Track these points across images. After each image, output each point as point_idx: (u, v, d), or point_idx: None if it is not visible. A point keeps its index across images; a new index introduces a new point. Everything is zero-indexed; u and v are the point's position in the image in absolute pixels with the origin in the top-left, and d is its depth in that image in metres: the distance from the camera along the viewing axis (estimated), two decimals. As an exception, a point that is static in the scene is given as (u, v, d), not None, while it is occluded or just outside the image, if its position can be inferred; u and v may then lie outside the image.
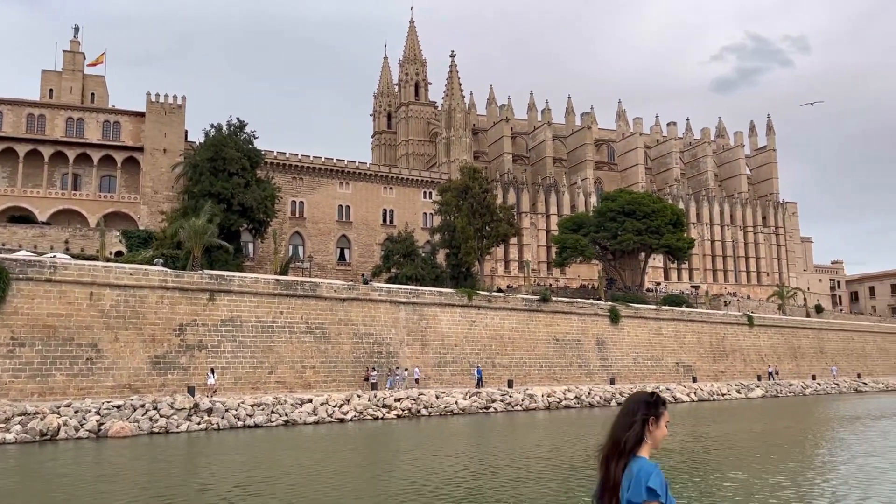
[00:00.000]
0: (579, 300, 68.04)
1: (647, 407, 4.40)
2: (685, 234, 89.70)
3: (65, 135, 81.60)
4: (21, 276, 39.20)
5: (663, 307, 73.87)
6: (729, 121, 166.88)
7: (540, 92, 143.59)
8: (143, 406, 36.09)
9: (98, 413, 34.49)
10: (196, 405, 37.03)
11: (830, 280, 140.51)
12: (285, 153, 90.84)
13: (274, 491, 19.62)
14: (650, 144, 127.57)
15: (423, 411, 44.15)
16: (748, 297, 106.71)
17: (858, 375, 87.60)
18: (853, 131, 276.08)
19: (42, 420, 32.41)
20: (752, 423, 43.12)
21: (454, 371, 54.28)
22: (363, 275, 68.81)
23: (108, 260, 54.36)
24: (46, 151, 79.31)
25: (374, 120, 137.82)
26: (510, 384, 54.19)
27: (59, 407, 34.49)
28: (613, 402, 54.76)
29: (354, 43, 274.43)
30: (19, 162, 78.24)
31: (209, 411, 37.12)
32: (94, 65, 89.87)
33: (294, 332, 47.17)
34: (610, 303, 68.69)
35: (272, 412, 38.90)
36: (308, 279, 54.26)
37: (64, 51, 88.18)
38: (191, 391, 39.94)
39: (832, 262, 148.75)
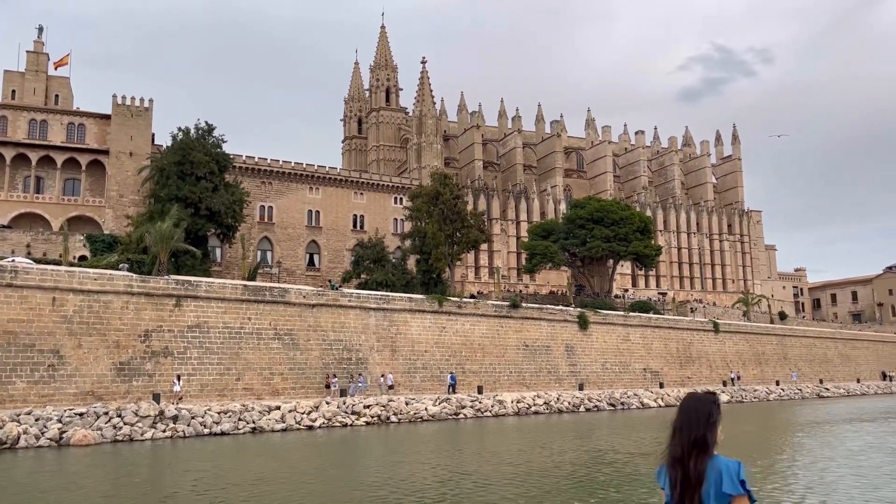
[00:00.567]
0: (549, 306, 68.44)
1: (719, 409, 4.60)
2: (652, 242, 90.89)
3: (27, 136, 79.90)
4: (-20, 280, 38.23)
5: (631, 313, 74.67)
6: (695, 130, 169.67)
7: (510, 99, 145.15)
8: (106, 414, 35.38)
9: (60, 421, 33.72)
10: (161, 412, 36.42)
11: (794, 287, 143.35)
12: (254, 157, 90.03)
13: (236, 499, 19.38)
14: (618, 153, 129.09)
15: (393, 418, 43.98)
16: (714, 303, 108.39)
17: (821, 381, 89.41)
18: (815, 142, 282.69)
19: (1, 428, 31.59)
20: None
21: (424, 377, 54.19)
22: (329, 280, 68.39)
23: (71, 264, 53.30)
24: (8, 153, 77.58)
25: (345, 125, 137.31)
26: (480, 390, 54.25)
27: (18, 415, 33.62)
28: (582, 408, 55.15)
29: (325, 47, 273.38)
30: (-21, 164, 76.44)
31: (175, 419, 36.54)
32: (59, 66, 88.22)
33: (262, 339, 46.70)
34: (579, 309, 69.22)
35: (239, 419, 38.42)
36: (277, 285, 53.81)
37: (27, 51, 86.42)
38: (156, 398, 39.28)
39: (795, 270, 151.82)
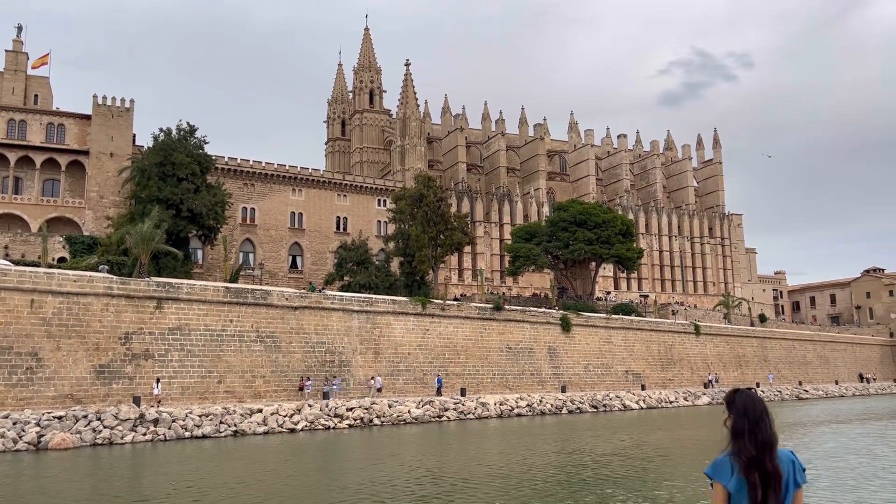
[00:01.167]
0: (532, 309, 68.66)
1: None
2: (634, 245, 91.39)
3: (6, 136, 78.84)
4: (-43, 282, 37.72)
5: (613, 316, 75.08)
6: (677, 133, 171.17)
7: (494, 102, 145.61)
8: (85, 417, 35.04)
9: (38, 424, 33.35)
10: (142, 416, 36.13)
11: (773, 290, 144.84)
12: (237, 159, 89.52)
13: (214, 502, 19.29)
14: (601, 156, 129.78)
15: (376, 420, 43.91)
16: (695, 306, 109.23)
17: (800, 383, 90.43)
18: (794, 146, 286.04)
19: (-23, 432, 31.19)
20: (694, 430, 44.06)
21: (407, 380, 54.15)
22: (311, 283, 68.16)
23: (50, 266, 52.68)
24: (-14, 153, 76.58)
25: (328, 127, 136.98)
26: (463, 392, 54.31)
27: (-5, 418, 33.23)
28: (564, 410, 55.37)
29: (308, 49, 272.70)
30: (-44, 164, 75.36)
31: (155, 422, 36.26)
32: (38, 66, 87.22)
33: (244, 341, 46.44)
34: (561, 311, 69.49)
35: (221, 423, 38.20)
36: (259, 287, 53.53)
37: (6, 50, 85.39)
38: (136, 401, 38.96)
39: (775, 273, 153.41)
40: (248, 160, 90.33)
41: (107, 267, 49.16)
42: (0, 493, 21.81)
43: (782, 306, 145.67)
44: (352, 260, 70.69)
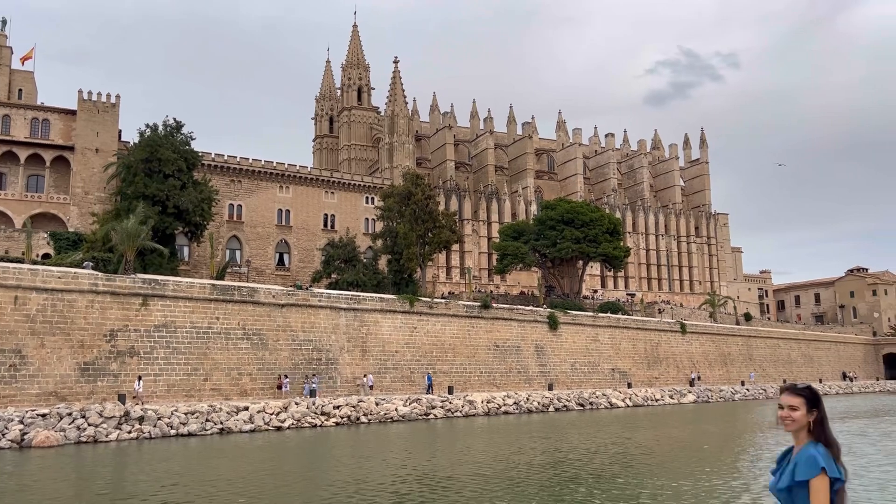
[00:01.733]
0: (519, 307, 68.80)
1: None
2: (621, 243, 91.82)
3: (-11, 131, 78.12)
4: (-61, 278, 37.30)
5: (600, 314, 75.39)
6: (664, 133, 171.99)
7: (482, 101, 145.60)
8: (70, 414, 34.76)
9: (21, 422, 33.03)
10: (127, 413, 35.88)
11: (759, 289, 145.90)
12: (223, 155, 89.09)
13: (198, 500, 19.22)
14: (589, 155, 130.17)
15: (363, 419, 43.86)
16: (681, 304, 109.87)
17: (784, 381, 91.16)
18: (780, 146, 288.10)
19: (-40, 430, 30.87)
20: (677, 428, 44.37)
21: (395, 378, 54.11)
22: (296, 282, 67.89)
23: (34, 262, 52.23)
24: (-31, 148, 75.78)
25: (316, 124, 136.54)
26: (450, 390, 54.33)
27: (-22, 416, 32.89)
28: (551, 408, 55.55)
29: (297, 45, 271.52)
30: (-61, 159, 74.51)
31: (141, 420, 36.03)
32: (24, 60, 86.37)
33: (230, 339, 46.24)
34: (549, 309, 69.69)
35: (207, 420, 38.01)
36: (246, 284, 53.32)
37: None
38: (121, 399, 38.69)
39: (760, 272, 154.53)
40: (235, 157, 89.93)
41: (91, 264, 48.78)
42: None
43: (767, 305, 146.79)
44: (339, 257, 70.58)
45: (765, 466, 25.72)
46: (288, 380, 46.73)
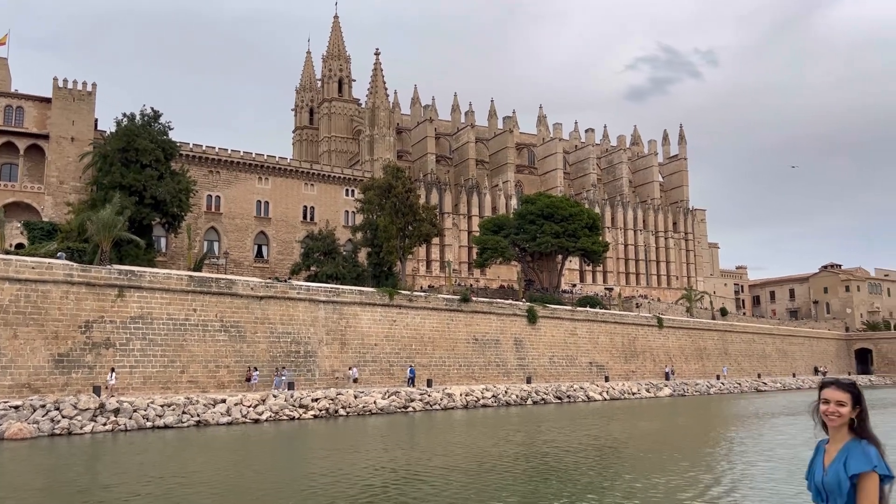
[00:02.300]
0: (499, 300, 69.03)
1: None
2: (600, 238, 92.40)
3: (-39, 118, 76.63)
4: None
5: (578, 308, 75.86)
6: (643, 129, 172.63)
7: (464, 94, 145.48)
8: (43, 406, 34.39)
9: (-7, 414, 32.61)
10: (102, 405, 35.55)
11: (735, 284, 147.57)
12: (202, 145, 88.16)
13: (170, 494, 19.13)
14: (569, 150, 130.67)
15: (342, 411, 43.84)
16: (658, 299, 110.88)
17: (759, 375, 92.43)
18: (757, 143, 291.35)
19: (-70, 422, 30.40)
20: (654, 420, 44.86)
21: (374, 371, 54.09)
22: (276, 276, 67.50)
23: (7, 252, 51.38)
24: (-60, 135, 74.28)
25: (296, 115, 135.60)
26: (429, 383, 54.44)
27: (-51, 408, 32.42)
28: (529, 401, 55.89)
29: (277, 36, 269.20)
30: None
31: (116, 412, 35.72)
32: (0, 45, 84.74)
33: (208, 331, 45.91)
34: (528, 303, 69.99)
35: (183, 412, 37.78)
36: (223, 276, 52.91)
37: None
38: (96, 391, 38.30)
39: (737, 268, 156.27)
40: (214, 147, 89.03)
41: (64, 254, 48.16)
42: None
43: (743, 300, 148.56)
44: (319, 250, 70.23)
45: (737, 459, 26.10)
46: (257, 372, 45.96)
